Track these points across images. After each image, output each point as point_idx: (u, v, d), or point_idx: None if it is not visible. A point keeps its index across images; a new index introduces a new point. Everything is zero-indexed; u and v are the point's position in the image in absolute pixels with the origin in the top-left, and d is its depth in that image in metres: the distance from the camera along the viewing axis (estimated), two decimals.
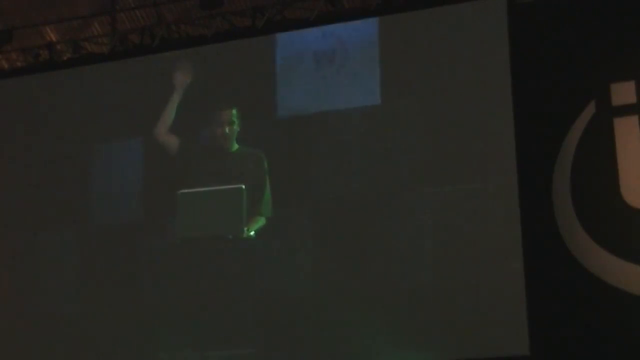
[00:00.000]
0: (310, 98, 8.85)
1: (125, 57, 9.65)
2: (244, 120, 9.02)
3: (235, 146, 9.04)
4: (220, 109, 9.05)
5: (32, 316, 9.32)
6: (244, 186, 8.80)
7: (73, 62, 9.85)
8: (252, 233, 8.80)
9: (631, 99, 8.12)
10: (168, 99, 9.23)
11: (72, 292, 9.25)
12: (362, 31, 8.82)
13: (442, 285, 8.22)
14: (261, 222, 8.81)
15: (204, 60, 9.31)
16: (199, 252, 8.90)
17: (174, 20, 9.88)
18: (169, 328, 8.90)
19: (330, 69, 8.83)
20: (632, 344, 7.82)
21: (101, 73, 9.62)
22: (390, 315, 8.31)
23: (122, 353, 8.98)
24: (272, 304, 8.66)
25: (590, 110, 8.21)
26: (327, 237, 8.63)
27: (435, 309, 8.21)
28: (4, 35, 9.95)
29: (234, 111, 9.01)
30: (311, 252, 8.63)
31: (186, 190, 8.97)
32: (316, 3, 9.08)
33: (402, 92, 8.65)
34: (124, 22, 10.48)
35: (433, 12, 8.69)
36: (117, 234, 9.21)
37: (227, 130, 9.02)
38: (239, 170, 8.94)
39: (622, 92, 8.14)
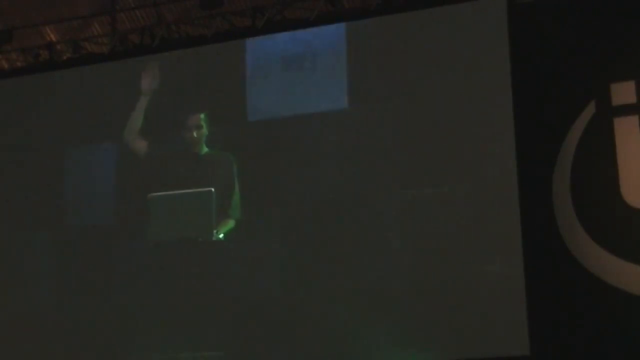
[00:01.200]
0: (280, 102, 8.88)
1: (125, 57, 9.64)
2: (215, 124, 9.04)
3: (205, 149, 9.07)
4: (189, 113, 9.08)
5: (5, 318, 9.30)
6: (213, 189, 8.81)
7: (73, 62, 9.84)
8: (221, 236, 8.81)
9: (631, 99, 8.12)
10: (135, 104, 9.27)
11: (44, 294, 9.24)
12: (330, 36, 8.85)
13: (441, 286, 8.22)
14: (231, 224, 8.85)
15: (175, 64, 9.32)
16: (170, 255, 8.91)
17: (174, 20, 9.87)
18: (141, 330, 8.90)
19: (299, 74, 8.87)
20: (632, 344, 7.82)
21: (101, 73, 9.61)
22: (388, 316, 8.30)
23: (94, 355, 8.97)
24: (243, 306, 8.65)
25: (590, 110, 8.21)
26: (299, 239, 8.63)
27: (435, 309, 8.20)
28: (4, 35, 9.94)
29: (202, 115, 9.06)
30: (280, 254, 8.63)
31: (156, 194, 8.98)
32: (316, 3, 9.08)
33: (379, 95, 8.65)
34: (124, 22, 10.48)
35: (432, 12, 8.68)
36: (91, 236, 9.21)
37: (195, 134, 9.05)
38: (209, 173, 8.97)
39: (622, 92, 8.14)
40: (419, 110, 8.55)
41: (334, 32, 8.87)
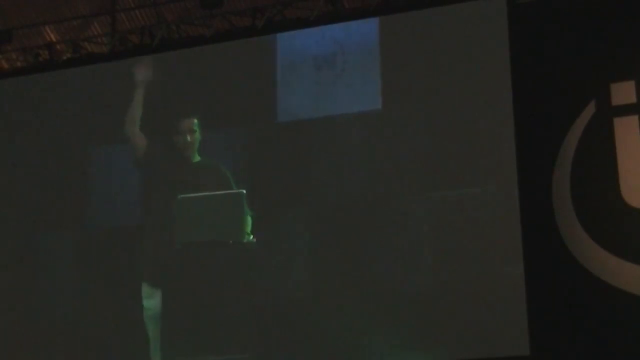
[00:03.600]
0: (310, 103, 8.83)
1: (125, 57, 9.64)
2: (244, 125, 8.98)
3: (197, 157, 8.99)
4: (182, 117, 9.02)
5: (29, 319, 9.26)
6: (244, 191, 8.76)
7: (73, 62, 9.84)
8: (251, 237, 8.76)
9: (631, 99, 8.12)
10: (134, 97, 9.23)
11: (69, 295, 9.20)
12: (362, 35, 8.80)
13: (442, 286, 8.22)
14: (250, 221, 8.78)
15: (202, 60, 9.27)
16: (198, 256, 8.85)
17: (174, 20, 9.87)
18: (169, 332, 8.84)
19: (330, 74, 8.81)
20: (632, 344, 7.81)
21: (101, 73, 9.61)
22: (390, 317, 8.30)
23: (120, 358, 8.94)
24: (272, 308, 8.62)
25: (590, 110, 8.21)
26: (327, 241, 8.59)
27: (436, 310, 8.20)
28: (4, 35, 9.94)
29: (196, 120, 8.99)
30: (311, 256, 8.60)
31: (185, 195, 8.91)
32: (316, 3, 9.08)
33: (402, 96, 8.61)
34: (124, 22, 10.48)
35: (433, 12, 8.68)
36: (116, 237, 9.15)
37: (188, 138, 8.99)
38: (200, 180, 8.90)
39: (622, 92, 8.14)
40: (418, 113, 8.54)
41: (366, 30, 8.80)
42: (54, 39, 10.51)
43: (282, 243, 8.69)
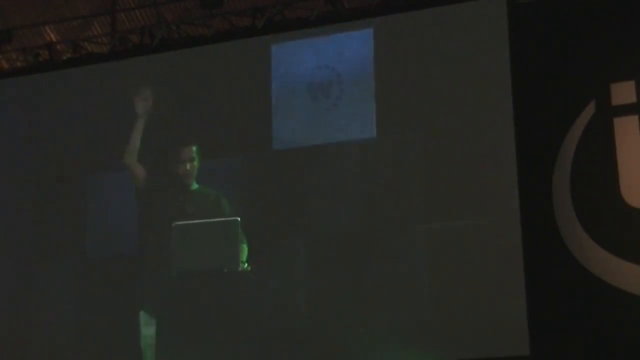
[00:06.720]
0: (305, 131, 8.79)
1: (125, 57, 9.63)
2: (239, 152, 8.94)
3: (195, 185, 8.98)
4: (182, 145, 9.01)
5: (28, 349, 9.19)
6: (239, 218, 8.72)
7: (73, 62, 9.84)
8: (246, 265, 8.72)
9: (631, 99, 8.13)
10: (134, 127, 9.20)
11: (67, 324, 9.13)
12: (358, 62, 8.75)
13: (442, 286, 8.22)
14: (245, 250, 8.75)
15: (199, 90, 9.21)
16: (194, 284, 8.80)
17: (174, 20, 9.88)
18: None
19: (325, 102, 8.77)
20: (632, 344, 7.82)
21: (101, 73, 9.60)
22: (390, 316, 8.30)
23: None
24: (269, 336, 8.57)
25: (590, 110, 8.21)
26: (323, 269, 8.55)
27: (436, 309, 8.20)
28: (4, 35, 9.94)
29: (195, 148, 8.98)
30: (306, 284, 8.57)
31: (180, 223, 8.87)
32: (316, 3, 9.09)
33: (398, 120, 8.58)
34: (124, 22, 10.49)
35: (432, 12, 8.68)
36: (114, 266, 9.09)
37: (188, 167, 8.97)
38: (198, 208, 8.87)
39: (622, 92, 8.14)
40: (423, 117, 8.55)
41: (361, 58, 8.74)
42: (54, 39, 10.52)
43: (279, 271, 8.65)
